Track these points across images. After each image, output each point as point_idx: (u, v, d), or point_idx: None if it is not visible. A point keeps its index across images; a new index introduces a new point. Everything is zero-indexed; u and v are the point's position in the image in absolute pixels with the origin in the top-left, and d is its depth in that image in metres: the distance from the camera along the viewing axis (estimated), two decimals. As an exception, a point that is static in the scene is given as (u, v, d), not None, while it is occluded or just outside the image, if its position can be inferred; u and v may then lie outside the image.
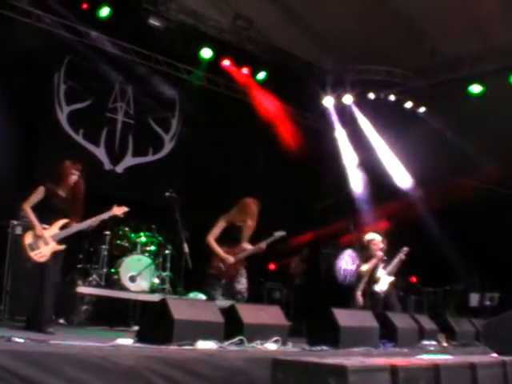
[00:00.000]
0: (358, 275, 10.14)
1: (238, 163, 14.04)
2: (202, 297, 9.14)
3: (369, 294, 10.22)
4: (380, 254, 10.11)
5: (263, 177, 14.81)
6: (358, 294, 10.02)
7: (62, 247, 7.47)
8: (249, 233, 8.77)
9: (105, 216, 7.87)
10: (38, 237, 7.31)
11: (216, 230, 8.60)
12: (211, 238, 8.57)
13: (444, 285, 14.69)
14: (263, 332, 6.68)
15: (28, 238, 7.31)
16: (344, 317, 7.66)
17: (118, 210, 7.92)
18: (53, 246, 7.35)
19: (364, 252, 10.24)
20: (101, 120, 12.84)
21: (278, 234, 8.73)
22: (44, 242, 7.31)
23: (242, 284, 8.61)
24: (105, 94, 12.91)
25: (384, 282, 10.31)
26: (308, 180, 14.89)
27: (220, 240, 8.64)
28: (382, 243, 10.19)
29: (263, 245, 8.69)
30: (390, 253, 10.70)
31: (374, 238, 10.23)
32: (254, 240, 8.85)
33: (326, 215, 10.78)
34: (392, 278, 10.39)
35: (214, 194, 13.12)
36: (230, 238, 8.68)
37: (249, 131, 13.98)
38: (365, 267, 10.04)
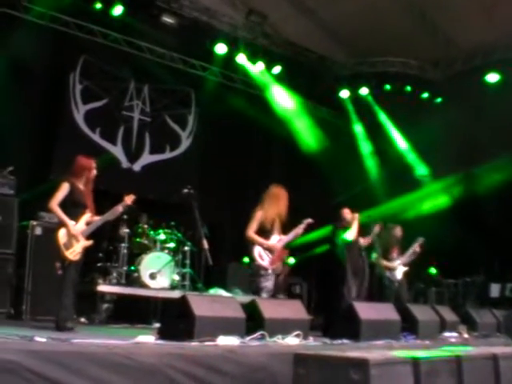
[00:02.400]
0: (345, 242, 10.15)
1: (254, 159, 14.09)
2: (223, 293, 9.15)
3: (386, 280, 10.71)
4: (351, 216, 10.22)
5: (279, 172, 14.82)
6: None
7: (91, 243, 7.45)
8: (282, 222, 8.68)
9: (120, 208, 7.80)
10: (70, 235, 7.23)
11: (254, 224, 8.45)
12: (251, 232, 8.43)
13: (464, 276, 14.61)
14: (284, 327, 6.67)
15: (62, 237, 7.21)
16: (364, 310, 7.66)
17: (129, 199, 7.88)
18: (83, 243, 7.32)
19: (340, 222, 10.35)
20: (117, 118, 12.90)
21: (307, 221, 8.68)
22: (76, 240, 7.27)
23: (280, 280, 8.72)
24: (120, 92, 12.96)
25: (399, 271, 10.78)
26: (325, 175, 14.85)
27: (261, 233, 8.50)
28: (350, 212, 10.34)
29: (300, 230, 8.65)
30: (406, 243, 11.07)
31: (344, 208, 10.43)
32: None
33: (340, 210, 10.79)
34: (406, 268, 10.78)
35: (232, 190, 13.17)
36: (268, 230, 8.56)
37: (265, 126, 13.96)
38: (348, 235, 10.11)
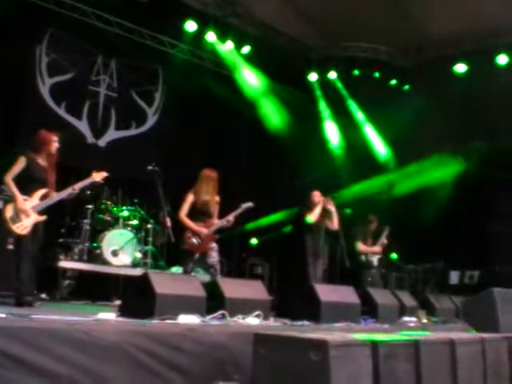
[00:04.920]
0: (307, 224, 10.27)
1: (221, 139, 14.06)
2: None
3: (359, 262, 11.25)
4: (320, 200, 10.32)
5: (246, 152, 14.87)
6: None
7: (44, 218, 7.42)
8: (216, 206, 8.91)
9: (85, 183, 7.79)
10: (18, 209, 7.21)
11: (185, 206, 8.72)
12: (182, 214, 8.69)
13: (425, 262, 14.81)
14: (245, 307, 6.71)
15: (9, 211, 7.21)
16: (325, 292, 7.71)
17: (98, 176, 7.85)
18: (34, 218, 7.29)
19: (308, 205, 10.43)
20: (83, 93, 12.78)
21: (246, 205, 8.89)
22: (25, 214, 7.23)
23: (213, 257, 8.74)
24: (87, 66, 12.85)
25: (375, 258, 11.40)
26: (291, 157, 14.92)
27: (194, 216, 8.74)
28: (320, 195, 10.48)
29: (231, 217, 8.85)
30: (377, 232, 11.59)
31: (313, 191, 10.53)
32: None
33: (306, 192, 10.87)
34: (379, 256, 11.37)
35: (197, 169, 13.13)
36: (202, 214, 8.79)
37: (233, 106, 13.94)
38: (310, 216, 10.23)
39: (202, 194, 8.74)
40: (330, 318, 7.40)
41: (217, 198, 8.90)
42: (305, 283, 9.52)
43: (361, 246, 11.37)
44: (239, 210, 8.87)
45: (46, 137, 7.57)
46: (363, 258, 11.33)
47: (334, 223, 10.36)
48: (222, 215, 8.98)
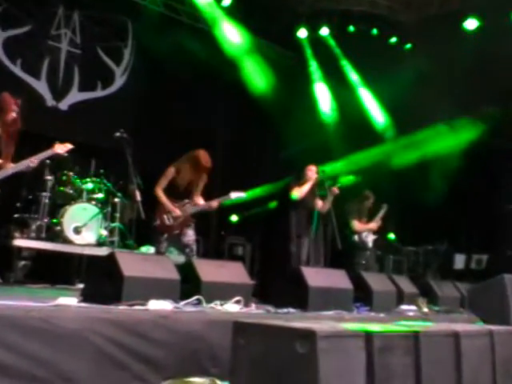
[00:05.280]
0: (292, 200, 10.33)
1: (198, 102, 14.00)
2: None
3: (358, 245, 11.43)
4: (315, 176, 10.35)
5: (225, 119, 14.83)
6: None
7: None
8: (201, 186, 8.94)
9: (45, 155, 7.77)
10: None
11: (163, 180, 8.73)
12: (159, 189, 8.71)
13: (426, 244, 14.84)
14: (223, 291, 6.73)
15: None
16: (313, 276, 7.73)
17: (61, 148, 7.82)
18: (-15, 190, 7.27)
19: (300, 178, 10.48)
20: (42, 49, 12.68)
21: (235, 194, 8.89)
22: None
23: (189, 236, 8.78)
24: (47, 18, 12.73)
25: (370, 239, 11.50)
26: (276, 125, 14.93)
27: (171, 194, 8.77)
28: (316, 172, 10.49)
29: (215, 203, 8.86)
30: (373, 210, 11.70)
31: (309, 165, 10.53)
32: (210, 194, 9.03)
33: (293, 164, 10.88)
34: (375, 236, 11.51)
35: (171, 136, 13.12)
36: (181, 194, 8.82)
37: (212, 66, 13.86)
38: (296, 192, 10.27)
39: (186, 173, 8.74)
40: (318, 305, 7.41)
41: (203, 178, 8.91)
42: (290, 266, 9.58)
43: (356, 225, 11.46)
44: (225, 197, 8.87)
45: (4, 103, 7.49)
46: (356, 238, 11.43)
47: (324, 206, 10.38)
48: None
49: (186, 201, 8.80)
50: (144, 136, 11.49)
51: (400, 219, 13.29)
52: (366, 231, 11.49)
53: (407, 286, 9.55)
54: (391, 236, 14.62)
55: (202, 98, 14.11)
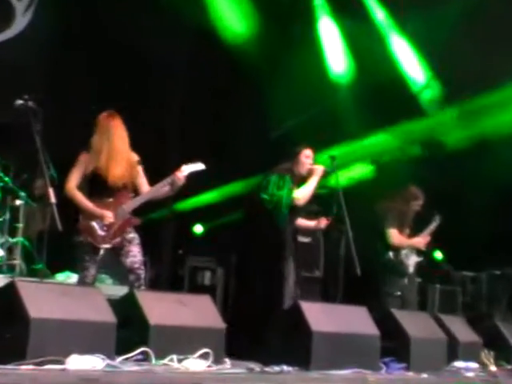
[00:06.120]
0: (291, 206, 10.18)
1: (144, 56, 13.93)
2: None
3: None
4: (319, 168, 10.10)
5: (186, 82, 14.81)
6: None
7: None
8: (134, 168, 8.81)
9: None
10: None
11: (76, 173, 8.63)
12: (71, 186, 8.59)
13: (491, 267, 14.84)
14: (183, 341, 6.79)
15: None
16: (319, 316, 7.78)
17: None
18: None
19: (293, 170, 10.19)
20: None
21: (189, 167, 8.73)
22: None
23: (132, 256, 8.62)
24: None
25: (411, 261, 11.27)
26: (263, 90, 14.91)
27: (95, 191, 8.66)
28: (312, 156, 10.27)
29: (164, 188, 8.73)
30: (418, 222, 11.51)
31: (304, 148, 10.24)
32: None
33: (286, 148, 10.79)
34: (419, 259, 11.31)
35: (103, 105, 13.00)
36: (109, 188, 8.65)
37: (164, 3, 13.80)
38: (299, 193, 9.98)
39: (100, 154, 8.59)
40: (326, 360, 7.43)
41: (133, 158, 8.82)
42: (284, 300, 9.50)
43: (395, 236, 11.22)
44: (174, 178, 8.67)
45: None
46: (392, 255, 11.20)
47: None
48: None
49: (122, 197, 8.68)
50: (60, 104, 11.39)
51: (450, 230, 13.18)
52: (407, 248, 11.28)
53: (463, 331, 9.58)
54: (437, 255, 14.57)
55: (151, 47, 13.99)
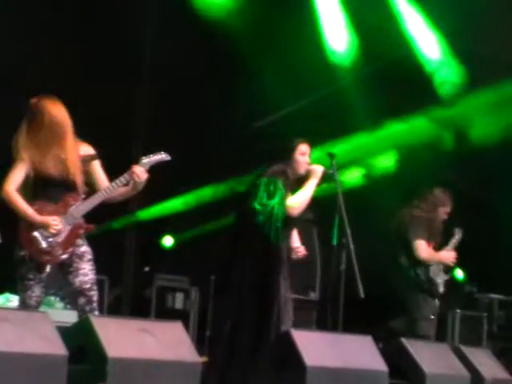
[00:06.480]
0: (287, 214, 10.05)
1: (106, 37, 13.93)
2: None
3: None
4: (319, 169, 9.97)
5: (158, 62, 15.03)
6: None
7: None
8: (88, 162, 8.68)
9: None
10: None
11: (16, 172, 8.46)
12: (9, 188, 8.41)
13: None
14: (148, 377, 6.76)
15: None
16: (315, 347, 7.83)
17: None
18: None
19: (287, 172, 10.08)
20: None
21: (152, 159, 8.63)
22: None
23: (82, 275, 8.48)
24: None
25: (440, 279, 11.46)
26: (248, 69, 15.01)
27: (38, 192, 8.52)
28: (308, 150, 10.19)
29: (118, 188, 8.59)
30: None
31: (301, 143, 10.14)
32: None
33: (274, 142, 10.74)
34: (447, 277, 11.51)
35: (66, 88, 12.95)
36: (55, 188, 8.54)
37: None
38: (296, 199, 9.88)
39: (45, 147, 8.49)
40: None
41: (87, 151, 8.67)
42: (273, 329, 9.36)
43: (424, 249, 11.25)
44: (132, 173, 8.49)
45: None
46: (421, 273, 11.24)
47: None
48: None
49: (70, 199, 8.56)
50: (11, 83, 11.32)
51: (472, 245, 13.20)
52: (436, 263, 11.34)
53: (490, 366, 9.47)
54: (458, 274, 14.55)
55: (114, 29, 13.97)
